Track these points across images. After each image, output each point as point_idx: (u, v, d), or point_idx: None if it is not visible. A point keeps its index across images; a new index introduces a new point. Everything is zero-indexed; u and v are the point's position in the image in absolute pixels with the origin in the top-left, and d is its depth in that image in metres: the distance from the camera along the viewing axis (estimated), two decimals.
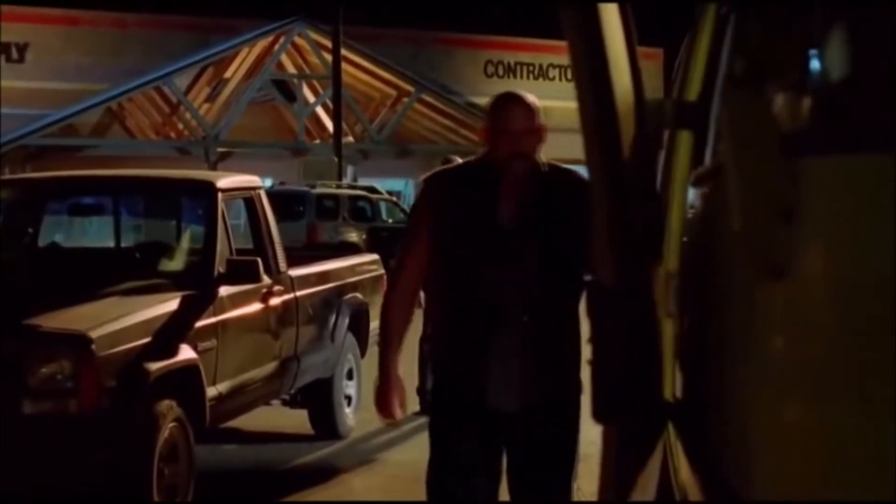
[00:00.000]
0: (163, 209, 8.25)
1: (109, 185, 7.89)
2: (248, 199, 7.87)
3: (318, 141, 42.13)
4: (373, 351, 10.54)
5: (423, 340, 10.54)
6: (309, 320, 8.44)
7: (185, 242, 7.66)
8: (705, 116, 2.97)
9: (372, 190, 29.16)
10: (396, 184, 43.76)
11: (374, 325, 9.89)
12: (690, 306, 2.74)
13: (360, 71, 42.74)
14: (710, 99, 2.97)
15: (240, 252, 7.63)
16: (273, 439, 9.28)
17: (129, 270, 7.07)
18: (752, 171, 1.93)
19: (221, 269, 6.97)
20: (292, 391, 8.51)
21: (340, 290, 9.11)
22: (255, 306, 7.44)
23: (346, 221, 25.24)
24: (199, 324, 6.62)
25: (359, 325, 9.51)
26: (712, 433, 2.34)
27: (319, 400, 9.03)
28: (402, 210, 26.56)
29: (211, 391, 6.66)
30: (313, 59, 41.95)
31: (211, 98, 42.88)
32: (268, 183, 32.54)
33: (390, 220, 25.93)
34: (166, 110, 42.48)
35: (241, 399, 7.27)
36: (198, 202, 7.51)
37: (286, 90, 42.55)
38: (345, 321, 9.04)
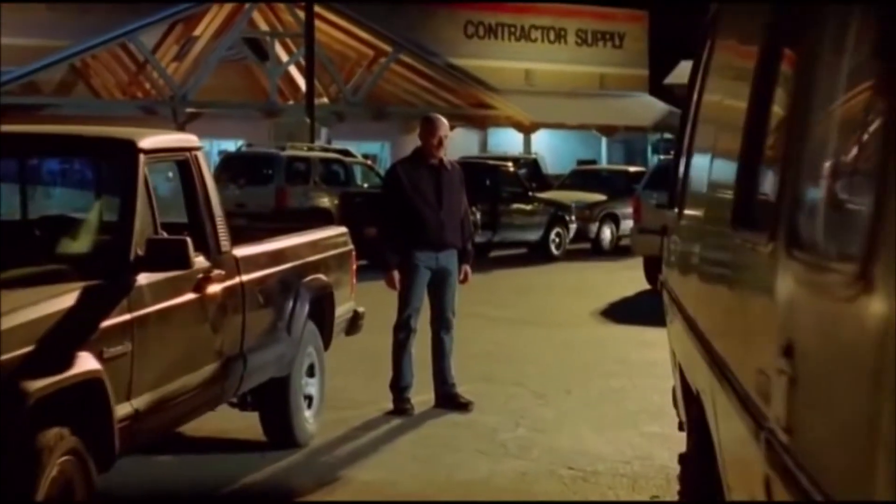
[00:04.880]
0: (75, 174, 6.71)
1: (9, 145, 6.33)
2: (182, 163, 6.37)
3: (291, 102, 40.65)
4: (339, 342, 9.14)
5: (398, 328, 9.07)
6: (259, 310, 6.97)
7: (95, 217, 6.12)
8: None
9: (345, 153, 27.64)
10: (372, 146, 42.31)
11: (341, 310, 8.44)
12: None
13: (335, 29, 41.30)
14: None
15: (172, 228, 6.16)
16: (218, 448, 7.82)
17: (21, 253, 5.57)
18: None
19: (140, 252, 5.48)
20: (239, 395, 7.05)
21: (299, 272, 7.64)
22: (187, 297, 5.95)
23: (318, 186, 23.70)
24: (107, 323, 5.13)
25: (321, 313, 8.05)
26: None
27: (273, 403, 7.58)
28: (378, 174, 25.06)
29: (122, 409, 5.18)
30: (286, 17, 40.45)
31: (179, 56, 41.33)
32: (235, 145, 31.03)
33: (365, 185, 24.40)
34: (133, 69, 40.99)
35: (167, 413, 5.79)
36: (114, 165, 6.00)
37: (258, 48, 41.03)
38: (304, 309, 7.57)
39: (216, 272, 6.27)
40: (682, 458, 5.27)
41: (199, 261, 6.12)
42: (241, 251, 6.75)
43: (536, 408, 9.23)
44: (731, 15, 4.24)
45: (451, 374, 9.15)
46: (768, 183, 2.77)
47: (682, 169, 5.64)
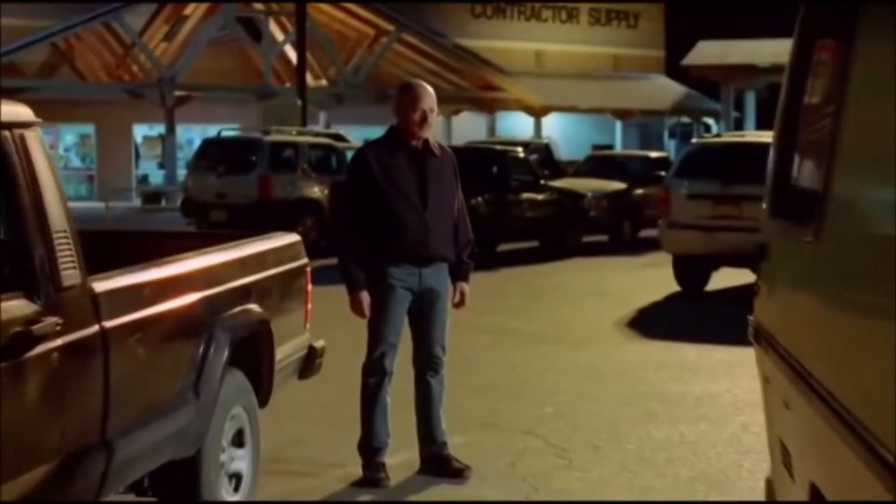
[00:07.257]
0: None
1: None
2: None
3: (287, 84, 38.28)
4: (288, 391, 6.80)
5: (368, 371, 6.73)
6: (138, 370, 4.62)
7: None
8: None
9: (338, 137, 25.30)
10: (374, 131, 39.93)
11: (288, 349, 6.14)
12: None
13: (334, 7, 39.02)
14: None
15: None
16: None
17: None
18: None
19: None
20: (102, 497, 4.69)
21: (214, 304, 5.29)
22: None
23: (306, 174, 21.42)
24: None
25: (255, 357, 5.71)
26: None
27: (177, 491, 5.24)
28: None
29: None
30: None
31: (168, 37, 39.01)
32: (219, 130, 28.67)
33: None
34: (119, 50, 38.73)
35: None
36: None
37: (252, 28, 38.71)
38: (220, 357, 5.21)
39: (48, 321, 3.92)
40: None
41: (18, 305, 3.79)
42: (105, 283, 4.39)
43: (556, 472, 6.88)
44: None
45: (440, 429, 6.80)
46: None
47: (808, 177, 3.47)
